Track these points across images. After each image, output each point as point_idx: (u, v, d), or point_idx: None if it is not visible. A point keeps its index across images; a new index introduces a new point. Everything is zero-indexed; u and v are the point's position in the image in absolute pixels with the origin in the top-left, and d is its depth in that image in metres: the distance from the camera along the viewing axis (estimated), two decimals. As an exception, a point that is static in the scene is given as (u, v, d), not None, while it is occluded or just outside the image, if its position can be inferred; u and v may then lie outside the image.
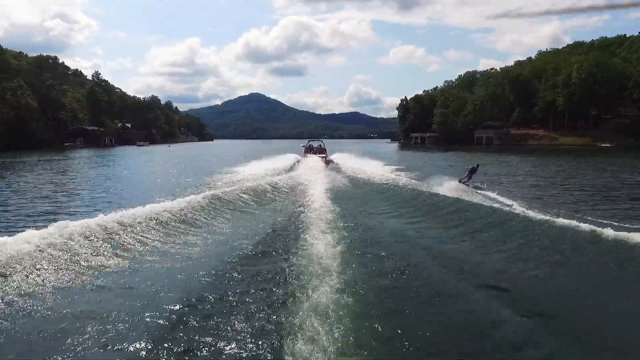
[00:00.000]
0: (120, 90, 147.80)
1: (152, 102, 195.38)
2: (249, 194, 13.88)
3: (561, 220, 8.66)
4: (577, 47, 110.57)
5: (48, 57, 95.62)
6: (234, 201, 12.51)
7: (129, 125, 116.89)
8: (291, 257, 6.81)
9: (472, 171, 18.61)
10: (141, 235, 7.97)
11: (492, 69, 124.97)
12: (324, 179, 19.98)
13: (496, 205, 11.85)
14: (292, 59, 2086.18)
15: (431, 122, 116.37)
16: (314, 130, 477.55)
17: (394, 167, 27.99)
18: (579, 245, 7.54)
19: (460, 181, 18.20)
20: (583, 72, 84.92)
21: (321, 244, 7.44)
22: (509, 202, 13.60)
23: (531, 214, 10.04)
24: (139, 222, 8.43)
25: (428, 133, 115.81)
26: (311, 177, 20.42)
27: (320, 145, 36.26)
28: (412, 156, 57.95)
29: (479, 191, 16.40)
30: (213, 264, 6.65)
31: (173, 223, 9.10)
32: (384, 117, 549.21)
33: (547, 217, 9.23)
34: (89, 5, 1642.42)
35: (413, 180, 20.63)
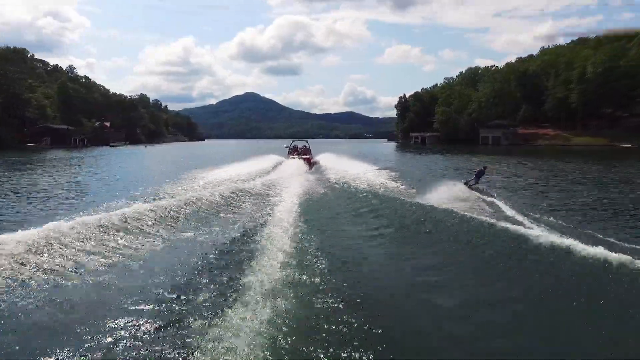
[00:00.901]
0: (103, 87, 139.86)
1: (141, 101, 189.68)
2: (208, 203, 12.21)
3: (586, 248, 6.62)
4: (582, 43, 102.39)
5: (15, 49, 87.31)
6: (189, 212, 11.06)
7: (107, 124, 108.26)
8: (243, 275, 6.41)
9: (480, 174, 17.14)
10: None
11: (492, 66, 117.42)
12: (301, 185, 17.73)
13: (501, 222, 9.20)
14: (287, 59, 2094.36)
15: (432, 121, 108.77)
16: (310, 130, 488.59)
17: (387, 171, 25.02)
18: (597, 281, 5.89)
19: (466, 184, 16.82)
20: (599, 66, 77.60)
21: (279, 268, 6.64)
22: (518, 215, 11.48)
23: (542, 233, 8.02)
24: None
25: (429, 132, 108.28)
26: (287, 183, 18.31)
27: (305, 145, 33.82)
28: (412, 158, 50.85)
29: (485, 197, 14.69)
30: (155, 282, 6.29)
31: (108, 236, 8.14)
32: (380, 116, 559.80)
33: (568, 242, 7.00)
34: (83, 3, 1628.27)
35: (410, 186, 18.11)
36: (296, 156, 29.30)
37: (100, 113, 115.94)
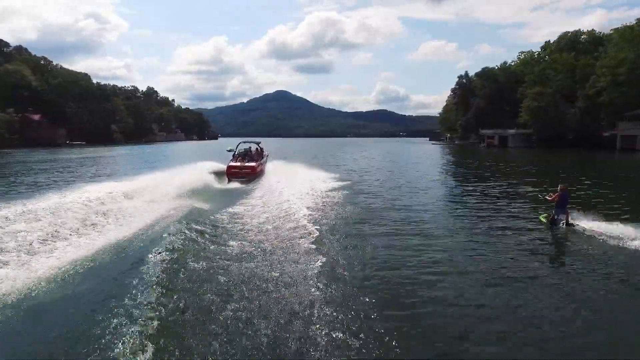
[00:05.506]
0: (65, 70, 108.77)
1: (147, 95, 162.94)
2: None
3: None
4: None
5: None
6: None
7: (36, 116, 76.39)
8: None
9: (563, 201, 9.87)
10: None
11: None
12: (152, 218, 11.23)
13: None
14: (318, 56, 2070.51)
15: (517, 111, 69.48)
16: (340, 129, 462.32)
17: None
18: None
19: (553, 222, 10.02)
20: None
21: None
22: None
23: None
24: None
25: (512, 129, 69.25)
26: (144, 211, 12.16)
27: (257, 148, 26.58)
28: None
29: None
30: None
31: None
32: (413, 114, 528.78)
33: None
34: (119, 5, 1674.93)
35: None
36: (238, 163, 22.96)
37: (56, 104, 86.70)
